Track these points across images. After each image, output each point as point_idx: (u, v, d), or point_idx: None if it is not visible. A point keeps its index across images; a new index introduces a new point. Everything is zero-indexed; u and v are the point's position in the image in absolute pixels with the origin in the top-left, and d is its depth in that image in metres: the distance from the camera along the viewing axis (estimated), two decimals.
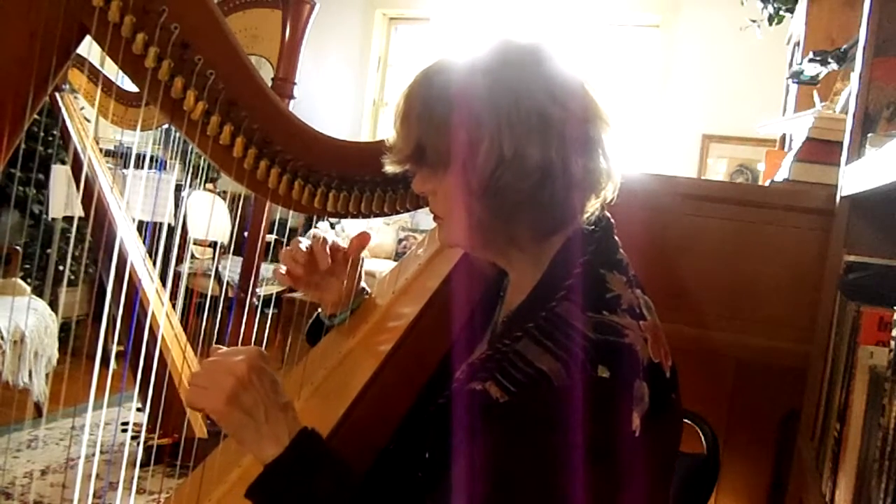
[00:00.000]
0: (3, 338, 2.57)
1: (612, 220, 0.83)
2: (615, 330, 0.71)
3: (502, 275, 0.91)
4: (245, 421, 0.72)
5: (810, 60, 1.77)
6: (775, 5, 2.96)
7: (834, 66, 1.73)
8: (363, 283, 1.07)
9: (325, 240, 0.98)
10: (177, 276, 2.96)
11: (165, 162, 2.99)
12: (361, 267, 1.04)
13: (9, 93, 0.83)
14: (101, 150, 3.11)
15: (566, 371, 0.66)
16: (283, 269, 0.99)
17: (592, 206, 0.78)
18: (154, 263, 2.75)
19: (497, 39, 0.78)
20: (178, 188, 3.15)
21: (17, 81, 0.82)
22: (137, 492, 2.32)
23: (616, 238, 0.82)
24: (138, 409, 2.61)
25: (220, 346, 0.77)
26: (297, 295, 3.43)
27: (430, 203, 0.83)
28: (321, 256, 0.97)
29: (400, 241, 4.99)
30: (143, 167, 3.02)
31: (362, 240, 1.00)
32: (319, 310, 1.06)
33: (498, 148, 0.72)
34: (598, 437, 0.66)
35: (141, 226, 2.87)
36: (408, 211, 1.01)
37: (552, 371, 0.66)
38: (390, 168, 0.82)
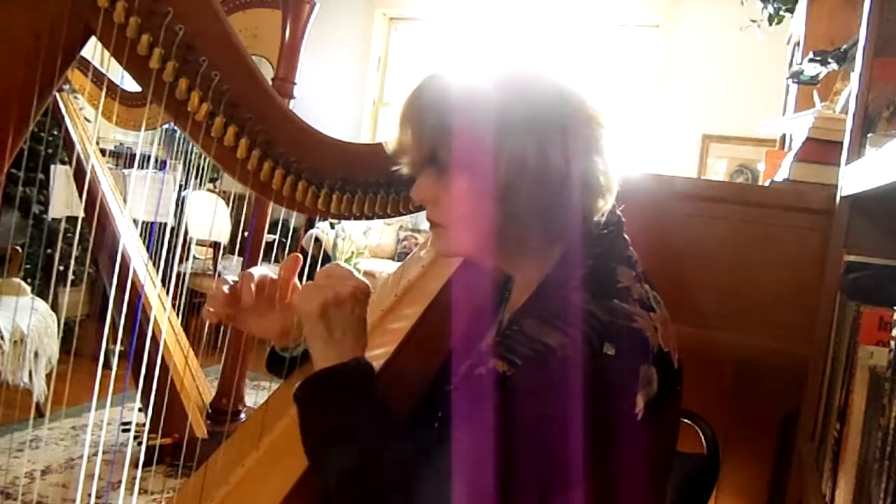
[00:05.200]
0: (3, 338, 2.57)
1: (623, 219, 0.84)
2: (625, 315, 0.72)
3: (505, 275, 0.92)
4: (322, 331, 0.78)
5: (810, 60, 1.77)
6: (775, 5, 2.96)
7: (834, 66, 1.74)
8: None
9: (250, 276, 0.90)
10: (178, 276, 2.96)
11: (167, 162, 3.00)
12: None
13: (14, 94, 0.83)
14: (101, 150, 3.11)
15: (572, 345, 0.67)
16: (210, 309, 0.90)
17: (601, 210, 0.79)
18: (155, 263, 2.76)
19: (502, 52, 0.79)
20: (179, 188, 3.15)
21: (22, 82, 0.82)
22: (138, 492, 2.32)
23: (626, 236, 0.83)
24: (139, 410, 2.61)
25: (340, 264, 0.84)
26: None
27: (428, 212, 0.82)
28: (245, 292, 0.89)
29: (400, 241, 4.99)
30: (144, 167, 3.02)
31: (294, 263, 0.93)
32: (272, 343, 0.99)
33: (521, 156, 0.73)
34: (599, 413, 0.66)
35: (142, 226, 2.87)
36: (409, 213, 1.01)
37: (558, 345, 0.67)
38: (406, 171, 0.82)
